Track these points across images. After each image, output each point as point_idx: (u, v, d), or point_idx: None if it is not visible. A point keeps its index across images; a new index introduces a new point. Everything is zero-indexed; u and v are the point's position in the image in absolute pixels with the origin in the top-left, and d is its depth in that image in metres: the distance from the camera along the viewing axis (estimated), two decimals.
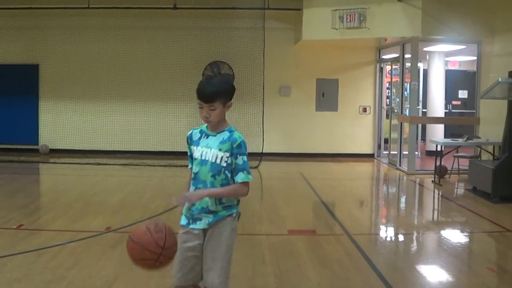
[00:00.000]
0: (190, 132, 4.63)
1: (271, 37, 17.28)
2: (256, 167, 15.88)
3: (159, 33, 17.85)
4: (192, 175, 4.50)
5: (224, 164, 4.35)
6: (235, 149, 4.37)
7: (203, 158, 4.41)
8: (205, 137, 4.49)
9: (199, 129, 4.58)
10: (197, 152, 4.46)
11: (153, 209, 10.23)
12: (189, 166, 4.57)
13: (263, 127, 16.60)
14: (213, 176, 4.37)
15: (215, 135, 4.45)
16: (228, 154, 4.36)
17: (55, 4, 17.25)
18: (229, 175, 4.37)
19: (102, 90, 17.85)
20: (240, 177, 4.35)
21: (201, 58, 17.74)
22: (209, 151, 4.40)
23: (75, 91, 17.97)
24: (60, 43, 17.91)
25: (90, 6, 16.95)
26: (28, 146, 18.19)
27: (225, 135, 4.44)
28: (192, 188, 4.48)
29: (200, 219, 4.42)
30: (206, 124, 4.52)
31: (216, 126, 4.47)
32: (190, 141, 4.57)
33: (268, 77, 17.12)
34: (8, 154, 17.25)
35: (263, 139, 16.56)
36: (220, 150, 4.37)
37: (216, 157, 4.37)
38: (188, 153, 4.57)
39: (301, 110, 18.37)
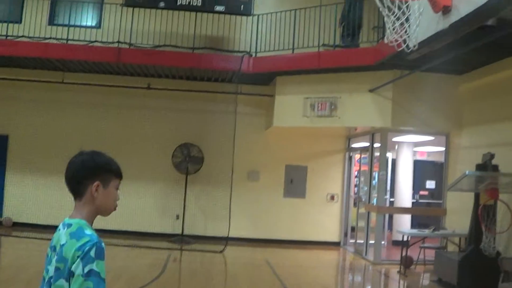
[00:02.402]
0: (101, 241, 3.08)
1: (242, 121, 17.37)
2: (221, 252, 15.73)
3: (132, 112, 17.89)
4: None
5: None
6: None
7: None
8: None
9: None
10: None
11: None
12: None
13: (230, 211, 16.50)
14: None
15: None
16: None
17: (29, 77, 17.28)
18: None
19: None
20: None
21: (172, 139, 17.69)
22: None
23: (43, 165, 17.67)
24: (32, 115, 17.76)
25: (64, 81, 17.00)
26: None
27: None
28: None
29: None
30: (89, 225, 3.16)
31: None
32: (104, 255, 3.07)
33: (238, 161, 17.11)
34: None
35: (229, 223, 16.43)
36: None
37: None
38: (103, 276, 2.99)
39: (269, 196, 18.30)
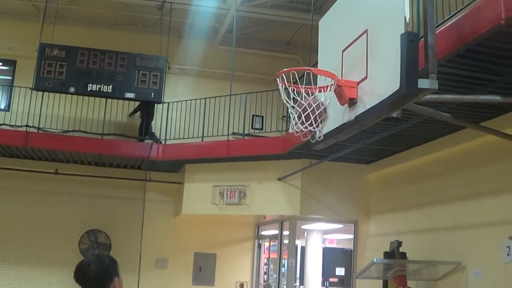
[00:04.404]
0: None
1: (151, 208, 17.24)
2: None
3: (39, 197, 17.42)
4: None
5: None
6: None
7: None
8: None
9: None
10: None
11: None
12: None
13: None
14: None
15: None
16: None
17: None
18: None
19: None
20: None
21: (79, 225, 17.30)
22: None
23: None
24: None
25: None
26: None
27: None
28: None
29: None
30: None
31: None
32: None
33: (146, 248, 16.88)
34: None
35: None
36: None
37: None
38: None
39: (178, 284, 17.97)
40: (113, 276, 4.03)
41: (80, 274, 4.08)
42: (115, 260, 4.21)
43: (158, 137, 16.73)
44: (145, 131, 16.62)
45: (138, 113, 17.30)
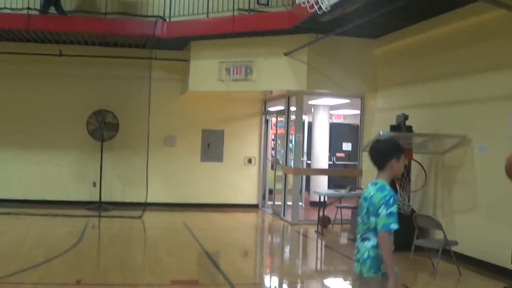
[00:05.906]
0: (395, 194, 4.84)
1: (157, 87, 17.20)
2: (139, 217, 15.64)
3: (44, 80, 17.43)
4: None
5: None
6: None
7: None
8: None
9: None
10: None
11: (32, 259, 9.89)
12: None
13: (147, 177, 16.38)
14: None
15: None
16: None
17: None
18: None
19: None
20: None
21: (86, 106, 17.32)
22: None
23: None
24: None
25: None
26: None
27: None
28: None
29: None
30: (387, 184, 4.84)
31: None
32: None
33: (154, 127, 16.93)
34: None
35: (147, 189, 16.32)
36: None
37: None
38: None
39: (186, 161, 18.25)
40: (392, 155, 4.82)
41: (371, 148, 4.98)
42: (400, 146, 4.94)
43: (162, 15, 16.49)
44: (54, 2, 16.14)
45: None
